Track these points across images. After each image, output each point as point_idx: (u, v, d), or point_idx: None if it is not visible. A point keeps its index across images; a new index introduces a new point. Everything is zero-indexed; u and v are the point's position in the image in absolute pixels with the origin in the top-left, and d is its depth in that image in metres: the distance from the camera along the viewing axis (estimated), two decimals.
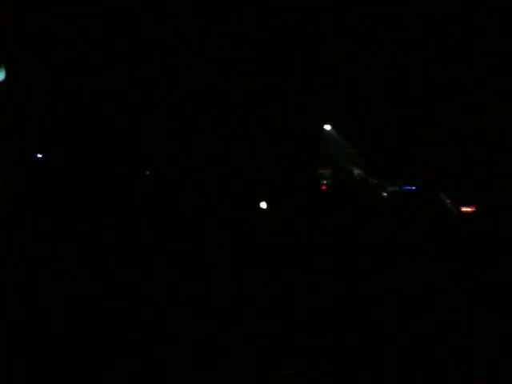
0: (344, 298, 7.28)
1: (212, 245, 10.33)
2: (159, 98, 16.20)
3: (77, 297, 8.31)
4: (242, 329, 6.54)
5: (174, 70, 16.08)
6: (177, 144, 16.13)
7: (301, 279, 7.96)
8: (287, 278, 8.11)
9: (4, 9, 13.40)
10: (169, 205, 13.18)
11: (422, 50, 16.95)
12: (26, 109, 14.10)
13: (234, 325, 6.63)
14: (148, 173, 15.54)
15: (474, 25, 16.24)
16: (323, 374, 6.11)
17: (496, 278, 8.35)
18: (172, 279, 8.64)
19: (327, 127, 18.54)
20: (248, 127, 16.63)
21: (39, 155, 14.61)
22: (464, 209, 15.24)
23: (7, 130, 13.09)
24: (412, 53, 16.99)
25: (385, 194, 16.32)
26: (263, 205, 13.29)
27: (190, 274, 8.87)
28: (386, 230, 11.51)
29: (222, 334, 6.63)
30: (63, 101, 15.13)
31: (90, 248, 10.67)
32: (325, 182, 16.45)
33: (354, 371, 6.00)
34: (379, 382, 5.95)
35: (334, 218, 12.38)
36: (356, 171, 17.74)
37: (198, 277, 8.64)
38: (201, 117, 16.37)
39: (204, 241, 10.72)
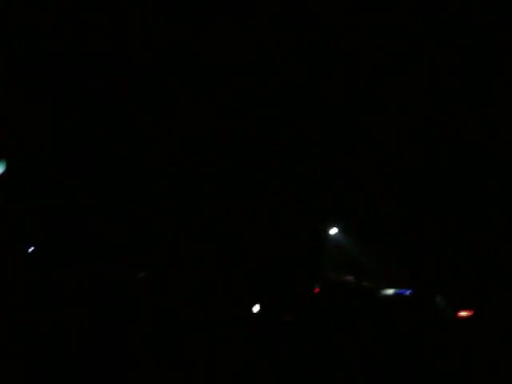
0: None
1: None
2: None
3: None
4: None
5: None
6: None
7: None
8: None
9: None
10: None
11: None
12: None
13: None
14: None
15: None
16: None
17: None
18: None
19: (333, 231, 18.72)
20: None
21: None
22: (462, 313, 14.99)
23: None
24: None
25: (379, 299, 16.32)
26: (256, 308, 13.12)
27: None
28: (379, 335, 11.31)
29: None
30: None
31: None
32: (317, 285, 16.37)
33: None
34: None
35: (327, 322, 12.25)
36: (350, 275, 17.76)
37: None
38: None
39: None
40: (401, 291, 16.52)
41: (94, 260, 12.96)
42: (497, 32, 15.81)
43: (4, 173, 13.03)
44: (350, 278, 17.59)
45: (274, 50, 16.28)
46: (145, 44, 15.61)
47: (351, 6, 15.67)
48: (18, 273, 10.93)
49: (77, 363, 6.89)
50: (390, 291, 16.70)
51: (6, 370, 6.51)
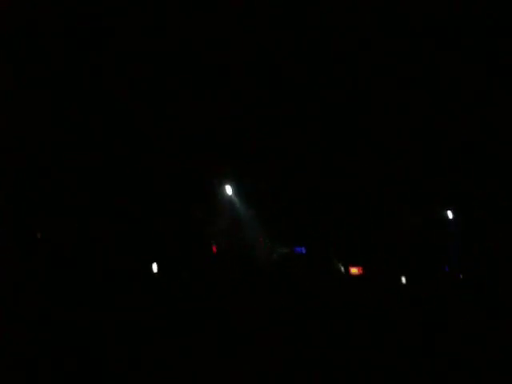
0: None
1: None
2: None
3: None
4: None
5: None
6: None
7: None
8: None
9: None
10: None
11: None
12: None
13: None
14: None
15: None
16: None
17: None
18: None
19: (227, 188, 18.75)
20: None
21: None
22: (353, 270, 15.57)
23: None
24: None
25: (275, 256, 16.55)
26: (154, 267, 13.16)
27: None
28: (276, 292, 11.45)
29: None
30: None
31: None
32: (214, 243, 16.40)
33: None
34: None
35: (224, 280, 12.37)
36: (246, 233, 17.86)
37: None
38: None
39: None
40: (296, 249, 16.86)
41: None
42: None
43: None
44: (246, 236, 17.76)
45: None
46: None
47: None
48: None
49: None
50: (286, 249, 17.01)
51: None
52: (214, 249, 16.20)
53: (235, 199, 18.74)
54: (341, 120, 17.44)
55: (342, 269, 16.07)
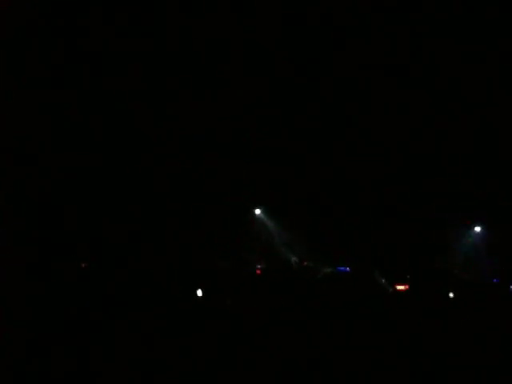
0: None
1: None
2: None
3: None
4: None
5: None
6: None
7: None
8: None
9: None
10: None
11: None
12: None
13: None
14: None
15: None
16: None
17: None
18: None
19: (257, 211, 18.77)
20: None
21: None
22: (398, 287, 15.68)
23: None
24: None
25: (319, 277, 16.63)
26: (199, 292, 13.20)
27: None
28: (322, 313, 11.47)
29: None
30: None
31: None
32: (259, 266, 16.50)
33: None
34: None
35: (269, 302, 12.40)
36: (289, 255, 17.97)
37: None
38: None
39: None
40: (339, 269, 16.94)
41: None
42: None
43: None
44: (290, 258, 17.92)
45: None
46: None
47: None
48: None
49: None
50: (330, 269, 17.06)
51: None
52: (259, 271, 16.33)
53: (272, 222, 18.90)
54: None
55: (388, 286, 16.04)
